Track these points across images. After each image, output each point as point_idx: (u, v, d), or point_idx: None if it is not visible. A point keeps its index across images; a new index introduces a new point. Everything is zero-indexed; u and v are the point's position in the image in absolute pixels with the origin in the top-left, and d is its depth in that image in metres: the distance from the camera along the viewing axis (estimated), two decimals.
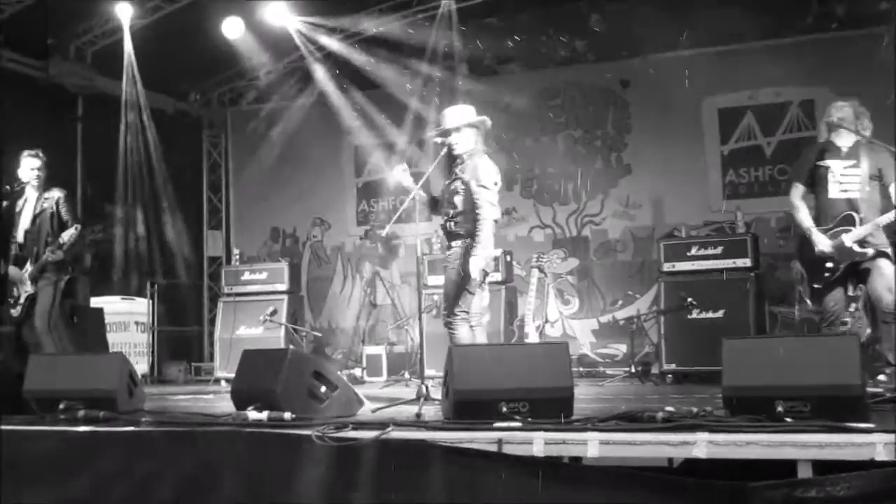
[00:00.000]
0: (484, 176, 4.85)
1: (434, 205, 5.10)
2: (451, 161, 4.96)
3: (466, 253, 4.80)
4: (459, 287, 4.81)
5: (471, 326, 4.86)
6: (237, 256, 9.40)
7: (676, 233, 7.86)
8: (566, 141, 9.44)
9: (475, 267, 4.71)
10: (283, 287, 8.72)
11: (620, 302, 9.12)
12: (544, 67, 9.25)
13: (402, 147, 9.30)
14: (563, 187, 9.48)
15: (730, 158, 8.81)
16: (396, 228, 9.35)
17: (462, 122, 4.96)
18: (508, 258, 7.99)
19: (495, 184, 4.92)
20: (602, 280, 9.19)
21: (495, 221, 4.88)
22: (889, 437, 3.01)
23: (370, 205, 10.36)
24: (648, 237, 9.00)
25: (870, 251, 5.14)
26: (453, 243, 4.91)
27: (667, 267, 7.48)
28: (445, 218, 4.94)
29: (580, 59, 9.13)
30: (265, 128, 10.09)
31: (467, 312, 4.84)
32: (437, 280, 7.54)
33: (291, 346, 7.41)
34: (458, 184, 4.88)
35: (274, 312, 8.43)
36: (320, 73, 9.32)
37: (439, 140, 4.98)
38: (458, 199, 4.89)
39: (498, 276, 7.49)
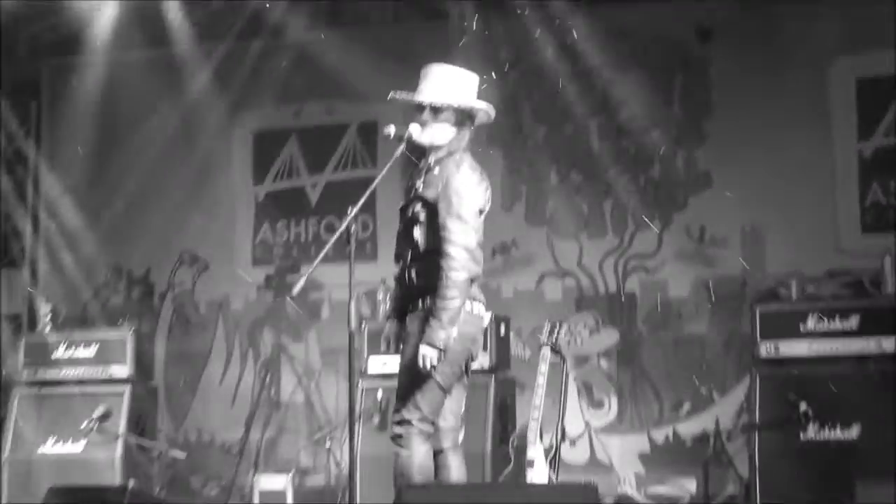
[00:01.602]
0: (461, 195, 5.05)
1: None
2: (413, 161, 5.25)
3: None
4: (418, 378, 5.02)
5: (438, 448, 5.10)
6: (47, 316, 9.35)
7: (783, 290, 8.01)
8: (603, 131, 9.47)
9: (423, 355, 4.94)
10: (124, 372, 8.82)
11: (687, 407, 9.10)
12: None
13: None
14: (596, 208, 9.48)
15: (874, 163, 8.85)
16: (320, 274, 9.10)
17: (452, 100, 5.11)
18: (503, 329, 7.97)
19: (480, 212, 5.16)
20: (657, 368, 9.20)
21: (471, 281, 5.09)
22: None
23: (276, 231, 10.34)
24: (736, 296, 8.97)
25: None
26: (413, 305, 5.14)
27: (766, 350, 7.57)
28: (401, 263, 5.21)
29: None
30: (96, 96, 10.21)
31: (429, 422, 5.04)
32: (385, 364, 7.83)
33: (133, 481, 7.32)
34: (418, 206, 5.12)
35: (106, 416, 8.46)
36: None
37: (391, 131, 5.20)
38: (418, 232, 5.13)
39: (484, 362, 7.57)
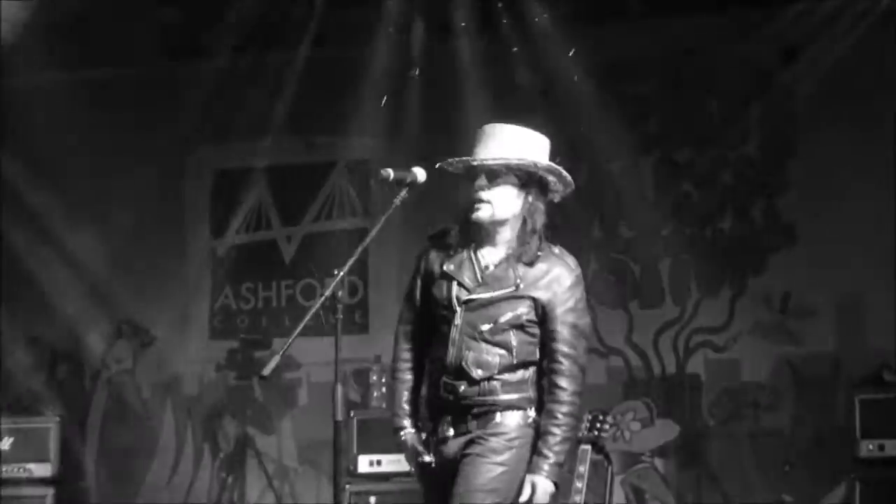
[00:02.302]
0: (581, 304, 5.23)
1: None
2: (484, 241, 5.27)
3: (526, 447, 5.15)
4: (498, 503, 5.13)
5: None
6: None
7: (889, 374, 8.23)
8: (658, 172, 9.60)
9: (543, 491, 5.08)
10: (47, 470, 9.00)
11: None
12: (613, 18, 9.50)
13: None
14: (648, 270, 9.53)
15: None
16: (296, 350, 8.55)
17: (523, 159, 5.17)
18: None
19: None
20: (728, 470, 9.19)
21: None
22: None
23: (241, 296, 10.41)
24: (829, 381, 9.02)
25: None
26: (483, 421, 5.18)
27: (867, 450, 7.82)
28: (478, 374, 5.17)
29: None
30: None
31: None
32: (379, 463, 8.15)
33: None
34: (523, 308, 5.17)
35: None
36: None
37: (390, 174, 5.21)
38: (517, 339, 5.17)
39: None
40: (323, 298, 4.95)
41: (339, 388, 5.03)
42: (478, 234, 5.23)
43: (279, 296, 10.28)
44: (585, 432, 7.35)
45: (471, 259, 5.23)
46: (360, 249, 5.13)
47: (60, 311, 10.48)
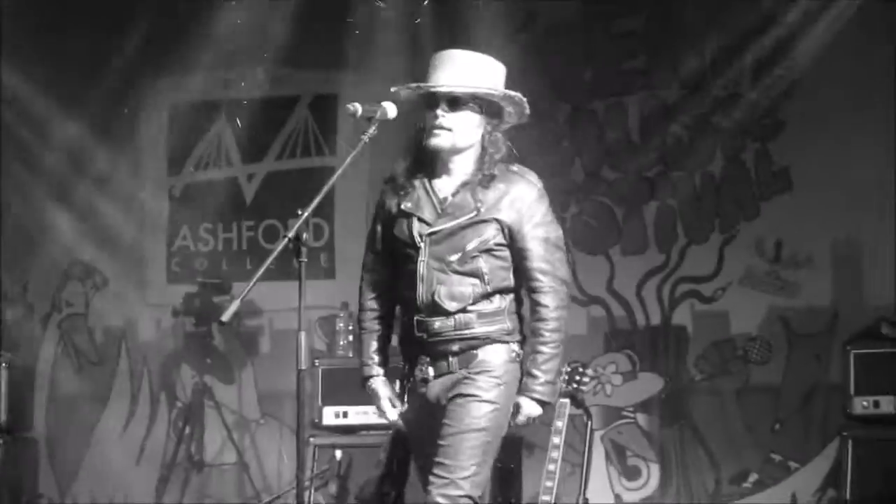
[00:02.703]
0: (550, 217, 5.31)
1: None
2: (439, 171, 5.34)
3: (514, 384, 5.26)
4: (489, 448, 5.19)
5: None
6: None
7: (887, 328, 8.20)
8: (647, 110, 9.51)
9: (528, 415, 5.25)
10: None
11: (754, 478, 9.04)
12: None
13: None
14: (635, 215, 9.46)
15: None
16: (258, 295, 9.09)
17: (492, 88, 5.28)
18: None
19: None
20: (714, 427, 9.19)
21: None
22: None
23: (199, 237, 10.38)
24: (823, 334, 8.97)
25: None
26: (476, 353, 5.23)
27: (862, 407, 7.86)
28: (452, 307, 5.23)
29: None
30: None
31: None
32: (345, 415, 8.23)
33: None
34: (489, 231, 5.23)
35: None
36: None
37: (357, 110, 5.20)
38: (488, 265, 5.22)
39: None
40: (286, 240, 4.94)
41: (303, 336, 5.04)
42: (433, 165, 5.29)
43: (240, 237, 10.24)
44: (564, 385, 7.43)
45: (427, 192, 5.27)
46: (325, 189, 5.14)
47: (8, 251, 10.36)
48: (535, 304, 5.27)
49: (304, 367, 5.03)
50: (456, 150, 5.26)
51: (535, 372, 5.21)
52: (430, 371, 5.28)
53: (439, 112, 5.20)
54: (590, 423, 7.84)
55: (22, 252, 10.46)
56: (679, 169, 9.42)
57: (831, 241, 9.03)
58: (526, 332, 5.24)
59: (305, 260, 5.02)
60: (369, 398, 5.48)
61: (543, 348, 5.20)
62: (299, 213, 5.00)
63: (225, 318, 5.17)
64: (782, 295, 9.14)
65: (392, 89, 5.24)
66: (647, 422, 9.32)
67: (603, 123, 9.62)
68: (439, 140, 5.21)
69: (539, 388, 5.20)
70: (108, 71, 10.00)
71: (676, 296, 9.36)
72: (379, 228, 5.37)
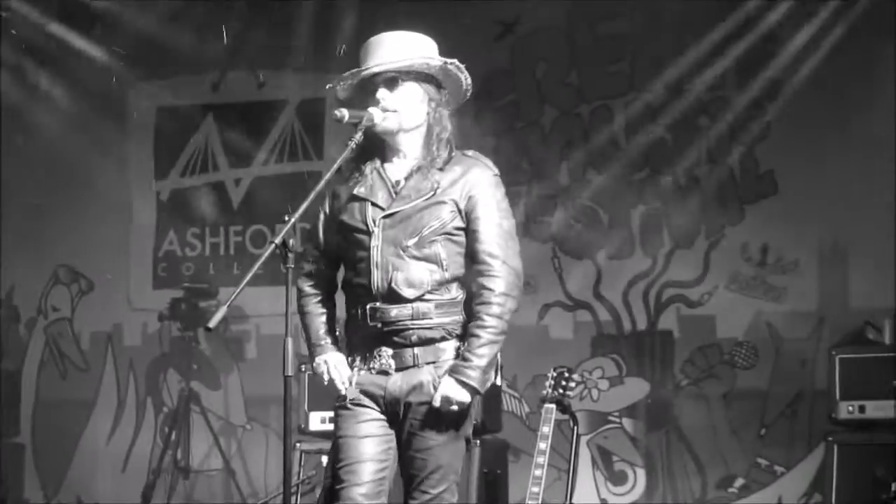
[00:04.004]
0: (503, 203, 5.26)
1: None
2: (389, 156, 5.30)
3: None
4: (458, 450, 5.21)
5: None
6: None
7: (872, 332, 8.28)
8: (632, 114, 9.50)
9: (448, 397, 5.07)
10: None
11: (740, 483, 9.08)
12: None
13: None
14: (620, 219, 9.49)
15: None
16: (245, 300, 8.99)
17: (419, 60, 5.22)
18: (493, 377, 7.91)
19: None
20: (701, 432, 9.20)
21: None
22: None
23: (186, 242, 10.37)
24: (808, 339, 9.01)
25: None
26: (428, 353, 5.19)
27: (846, 411, 7.85)
28: (409, 294, 5.17)
29: None
30: None
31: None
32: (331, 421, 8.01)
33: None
34: (444, 212, 5.18)
35: None
36: None
37: (344, 114, 5.14)
38: (446, 251, 5.17)
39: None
40: (273, 246, 4.92)
41: (290, 342, 5.03)
42: (382, 150, 5.25)
43: (227, 242, 10.25)
44: (550, 391, 7.41)
45: (380, 177, 5.22)
46: (313, 194, 5.11)
47: None
48: (481, 288, 5.19)
49: (290, 373, 5.04)
50: (404, 131, 5.24)
51: (468, 355, 5.10)
52: (392, 364, 5.21)
53: (379, 95, 5.17)
54: (576, 428, 7.76)
55: (8, 255, 10.41)
56: (665, 173, 9.40)
57: (817, 246, 9.05)
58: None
59: (292, 265, 5.02)
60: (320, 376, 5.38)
61: (481, 332, 5.10)
62: (286, 218, 4.99)
63: (211, 324, 5.13)
64: (768, 300, 9.17)
65: (327, 86, 5.28)
66: (634, 427, 9.34)
67: (588, 127, 9.61)
68: (386, 122, 5.19)
69: (469, 371, 5.08)
70: (95, 75, 10.03)
71: (663, 300, 9.40)
72: (323, 218, 5.29)
